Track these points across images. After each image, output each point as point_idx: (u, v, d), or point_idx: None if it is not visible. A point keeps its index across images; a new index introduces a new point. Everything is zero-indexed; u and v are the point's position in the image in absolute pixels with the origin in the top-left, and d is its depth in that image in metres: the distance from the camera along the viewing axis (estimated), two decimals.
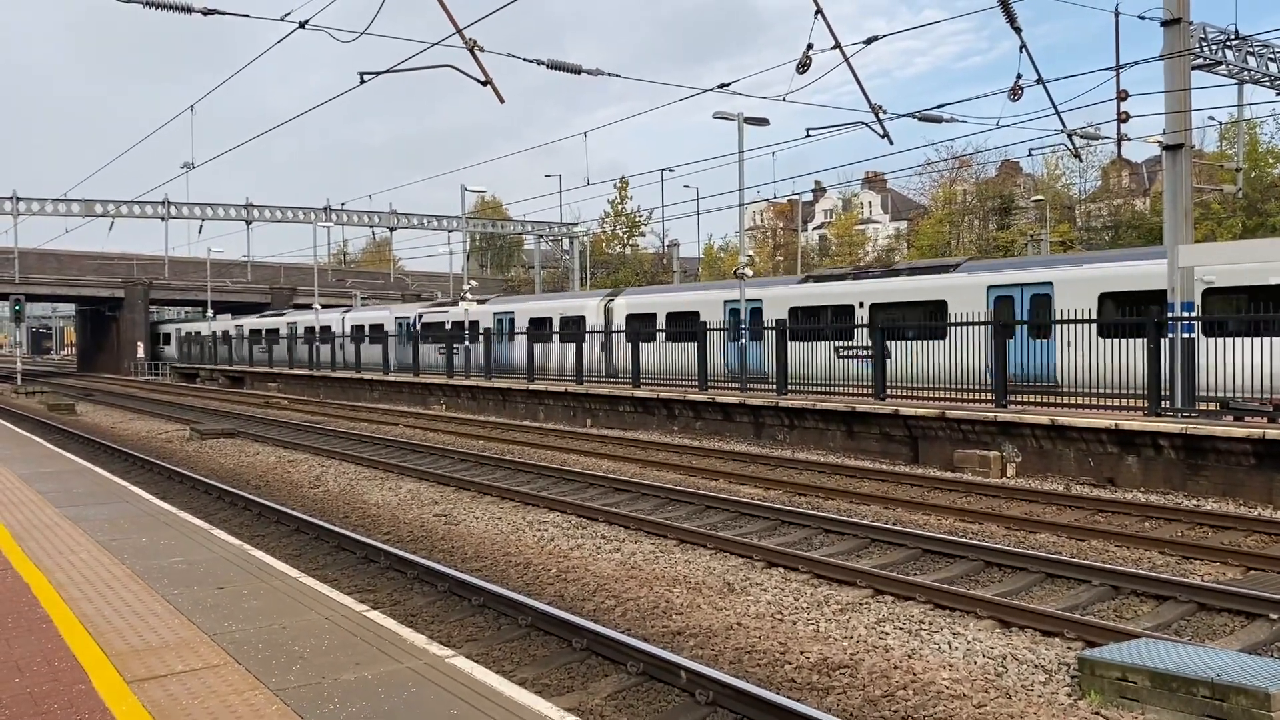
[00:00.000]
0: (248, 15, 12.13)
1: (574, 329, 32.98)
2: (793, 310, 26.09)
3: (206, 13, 11.66)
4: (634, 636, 7.93)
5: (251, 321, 59.05)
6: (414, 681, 5.26)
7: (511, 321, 37.16)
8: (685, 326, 28.14)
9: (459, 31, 11.72)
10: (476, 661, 6.00)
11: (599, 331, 31.33)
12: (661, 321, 30.13)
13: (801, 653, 7.74)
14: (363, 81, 12.87)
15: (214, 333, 59.24)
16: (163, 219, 58.67)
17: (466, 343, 35.78)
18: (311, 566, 10.64)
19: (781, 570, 10.38)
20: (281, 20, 12.01)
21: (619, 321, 32.27)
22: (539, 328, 34.34)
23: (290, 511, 13.85)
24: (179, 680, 5.27)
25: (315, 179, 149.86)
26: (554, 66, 13.87)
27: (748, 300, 26.44)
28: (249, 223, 60.34)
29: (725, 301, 28.20)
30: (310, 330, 49.58)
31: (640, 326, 29.85)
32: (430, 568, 10.20)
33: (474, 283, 42.09)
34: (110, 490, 12.52)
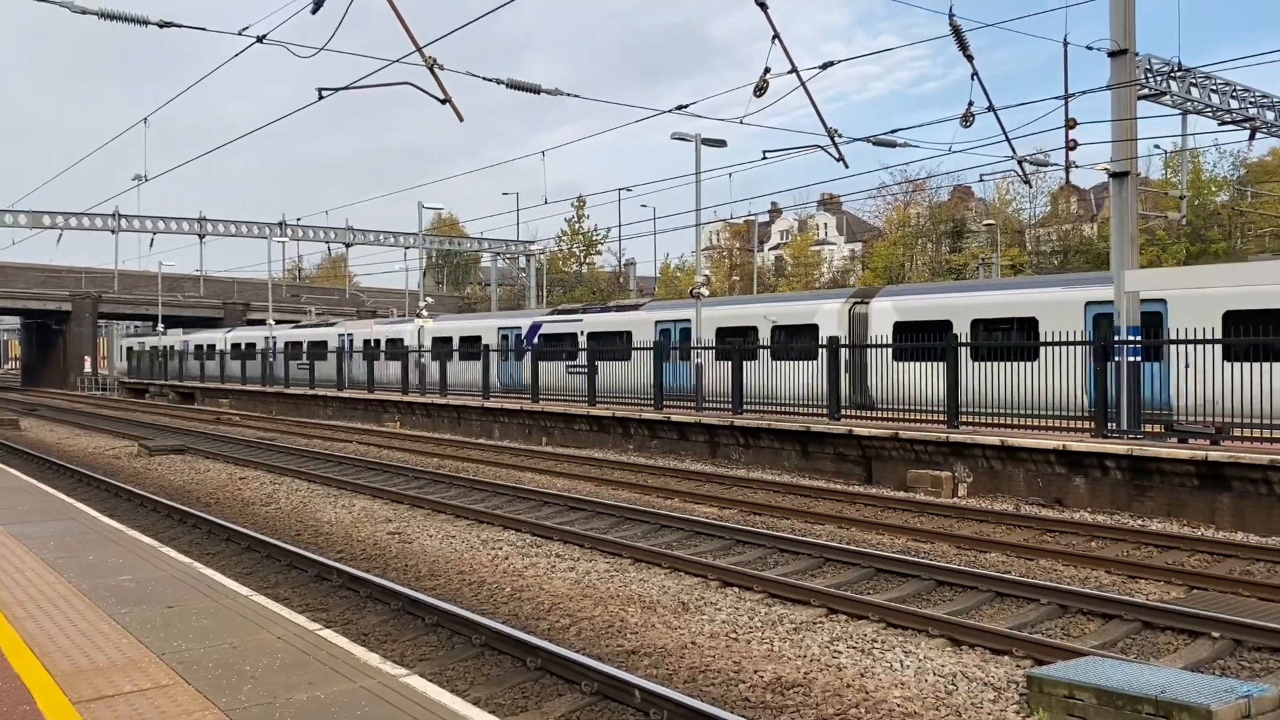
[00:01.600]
0: (204, 29, 12.06)
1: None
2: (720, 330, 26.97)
3: (163, 25, 11.56)
4: (588, 656, 7.92)
5: (211, 336, 57.97)
6: (368, 701, 5.22)
7: (351, 341, 39.34)
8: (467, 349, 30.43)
9: (419, 50, 11.73)
10: (431, 681, 5.97)
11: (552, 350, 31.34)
12: (456, 343, 32.73)
13: (755, 672, 7.79)
14: (321, 97, 12.83)
15: (198, 346, 57.42)
16: (113, 231, 57.73)
17: (421, 359, 35.53)
18: (263, 585, 10.51)
19: (736, 589, 10.43)
20: (239, 34, 11.96)
21: (428, 343, 34.32)
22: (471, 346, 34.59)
23: (241, 529, 13.67)
24: (127, 701, 5.19)
25: (271, 193, 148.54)
26: (513, 86, 13.92)
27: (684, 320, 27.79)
28: (202, 236, 59.58)
29: (656, 321, 29.49)
30: (265, 345, 49.02)
31: (602, 344, 29.74)
32: (383, 586, 10.12)
33: (430, 300, 41.74)
34: (56, 507, 12.29)
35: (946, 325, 20.84)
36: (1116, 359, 16.11)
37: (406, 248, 62.43)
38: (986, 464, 16.44)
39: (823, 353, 20.45)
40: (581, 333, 31.26)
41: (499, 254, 67.25)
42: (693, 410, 23.38)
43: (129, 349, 65.68)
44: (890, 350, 20.90)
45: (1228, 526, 13.47)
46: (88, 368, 67.44)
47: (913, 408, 19.08)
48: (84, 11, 11.13)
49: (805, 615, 9.42)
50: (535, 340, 32.65)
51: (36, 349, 79.68)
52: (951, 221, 59.55)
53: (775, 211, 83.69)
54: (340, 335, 44.29)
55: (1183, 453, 14.16)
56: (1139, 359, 16.26)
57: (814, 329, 23.81)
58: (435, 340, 37.14)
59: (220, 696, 5.25)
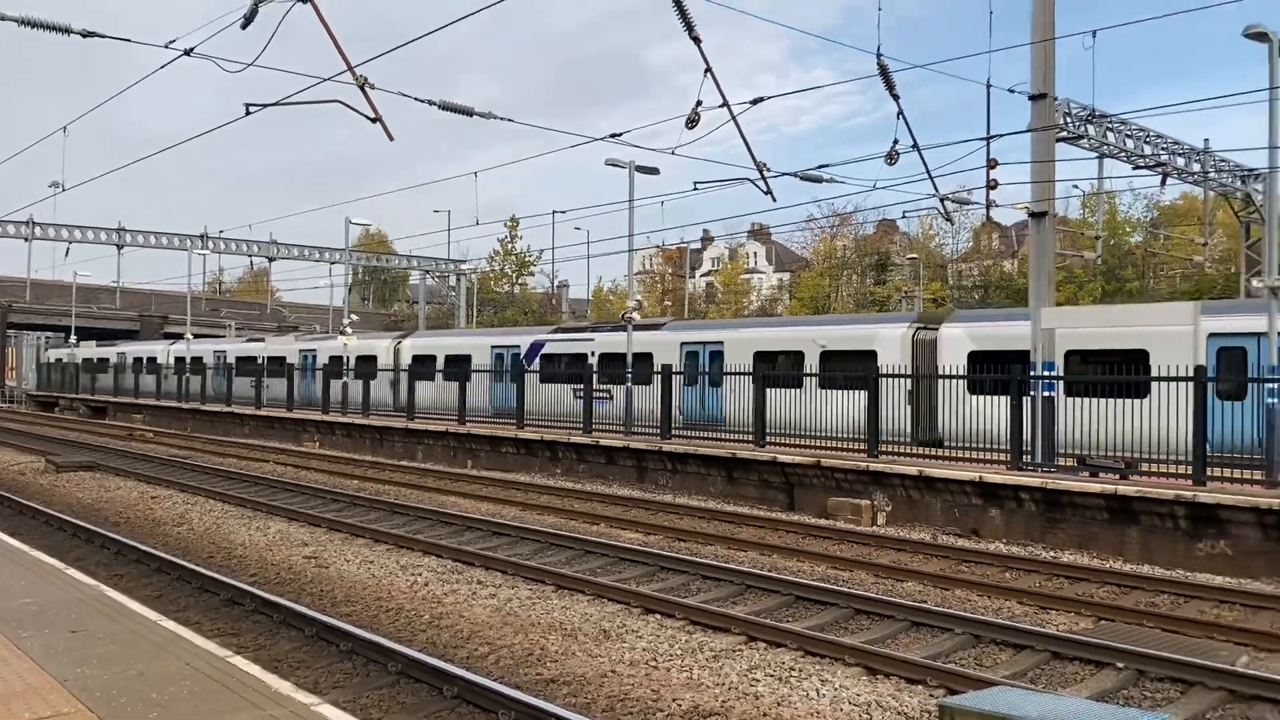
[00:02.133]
0: (129, 40, 11.82)
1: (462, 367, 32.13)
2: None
3: (86, 34, 11.30)
4: (506, 684, 7.86)
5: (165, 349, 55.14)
6: None
7: (314, 357, 37.29)
8: (458, 368, 29.19)
9: (350, 69, 11.65)
10: (344, 710, 5.87)
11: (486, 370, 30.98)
12: (442, 362, 31.21)
13: (674, 700, 7.79)
14: (249, 113, 12.64)
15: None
16: (26, 240, 55.91)
17: (396, 379, 34.81)
18: (173, 609, 10.21)
19: (658, 616, 10.44)
20: (166, 47, 11.74)
21: (408, 361, 33.07)
22: (426, 365, 33.47)
23: (152, 550, 13.30)
24: None
25: (194, 206, 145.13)
26: (445, 107, 13.88)
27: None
28: (120, 247, 58.08)
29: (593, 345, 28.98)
30: (180, 361, 47.54)
31: (617, 367, 27.28)
32: (298, 611, 9.92)
33: (355, 317, 41.15)
34: None
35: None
36: (1032, 394, 16.55)
37: (332, 263, 61.53)
38: (905, 493, 16.73)
39: (888, 384, 18.46)
40: (592, 353, 28.56)
41: (428, 272, 66.66)
42: (621, 435, 23.39)
43: (50, 361, 62.01)
44: (965, 382, 18.49)
45: (1135, 559, 13.88)
46: None
47: (994, 446, 16.83)
48: (3, 18, 10.84)
49: (725, 643, 9.46)
50: (536, 360, 29.95)
51: None
52: (876, 254, 60.74)
53: (707, 239, 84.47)
54: (303, 352, 40.80)
55: (1094, 486, 14.57)
56: (1053, 394, 16.72)
57: (871, 355, 21.49)
58: (417, 359, 34.50)
59: None
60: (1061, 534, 14.86)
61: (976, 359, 20.03)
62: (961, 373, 18.65)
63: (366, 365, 35.14)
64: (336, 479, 23.17)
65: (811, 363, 22.55)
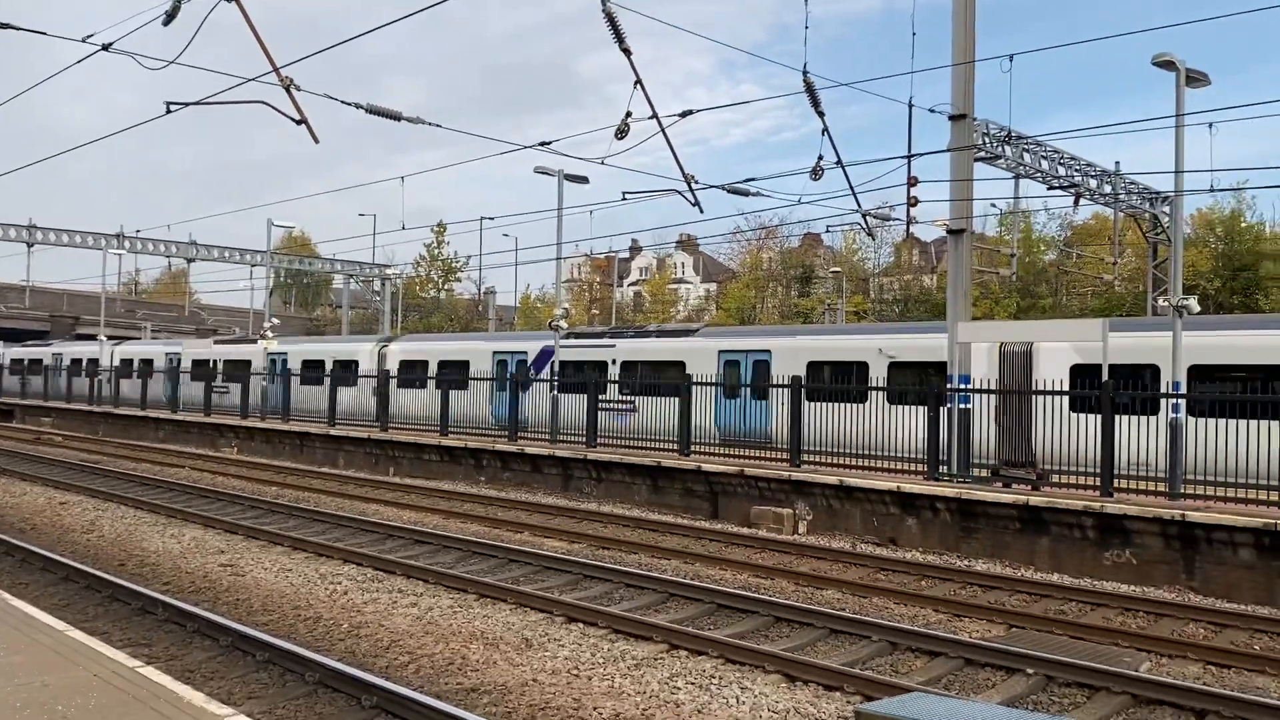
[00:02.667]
0: (44, 33, 11.47)
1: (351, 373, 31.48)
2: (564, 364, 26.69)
3: None
4: (426, 694, 7.80)
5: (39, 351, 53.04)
6: None
7: (285, 362, 34.68)
8: (456, 374, 27.88)
9: (275, 69, 11.47)
10: None
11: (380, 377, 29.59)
12: (434, 368, 29.78)
13: (595, 709, 7.81)
14: (169, 111, 12.36)
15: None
16: None
17: (264, 382, 33.92)
18: (80, 618, 9.93)
19: (581, 625, 10.45)
20: (84, 41, 11.43)
21: (394, 367, 31.52)
22: (338, 370, 32.41)
23: (58, 558, 12.91)
24: None
25: (111, 203, 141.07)
26: (373, 111, 13.74)
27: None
28: (30, 245, 56.20)
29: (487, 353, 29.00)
30: (94, 362, 45.82)
31: (641, 376, 25.60)
32: (212, 620, 9.72)
33: (276, 320, 40.37)
34: None
35: (1153, 370, 17.47)
36: (949, 405, 16.93)
37: (253, 265, 60.33)
38: (826, 502, 16.98)
39: (978, 400, 16.92)
40: (613, 361, 26.50)
41: (352, 276, 65.73)
42: (547, 443, 23.32)
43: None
44: (1067, 399, 15.95)
45: (1045, 568, 14.28)
46: None
47: (1116, 473, 14.80)
48: None
49: (647, 651, 9.51)
50: (546, 368, 27.61)
51: None
52: (801, 267, 61.55)
53: (635, 249, 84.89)
54: (273, 355, 37.28)
55: (1006, 497, 14.96)
56: (969, 405, 17.12)
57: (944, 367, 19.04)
58: (404, 364, 31.95)
59: None
60: (976, 543, 15.22)
61: (1082, 372, 17.86)
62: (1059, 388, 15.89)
63: (345, 370, 32.62)
64: (254, 485, 22.71)
65: (877, 375, 20.68)
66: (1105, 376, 15.31)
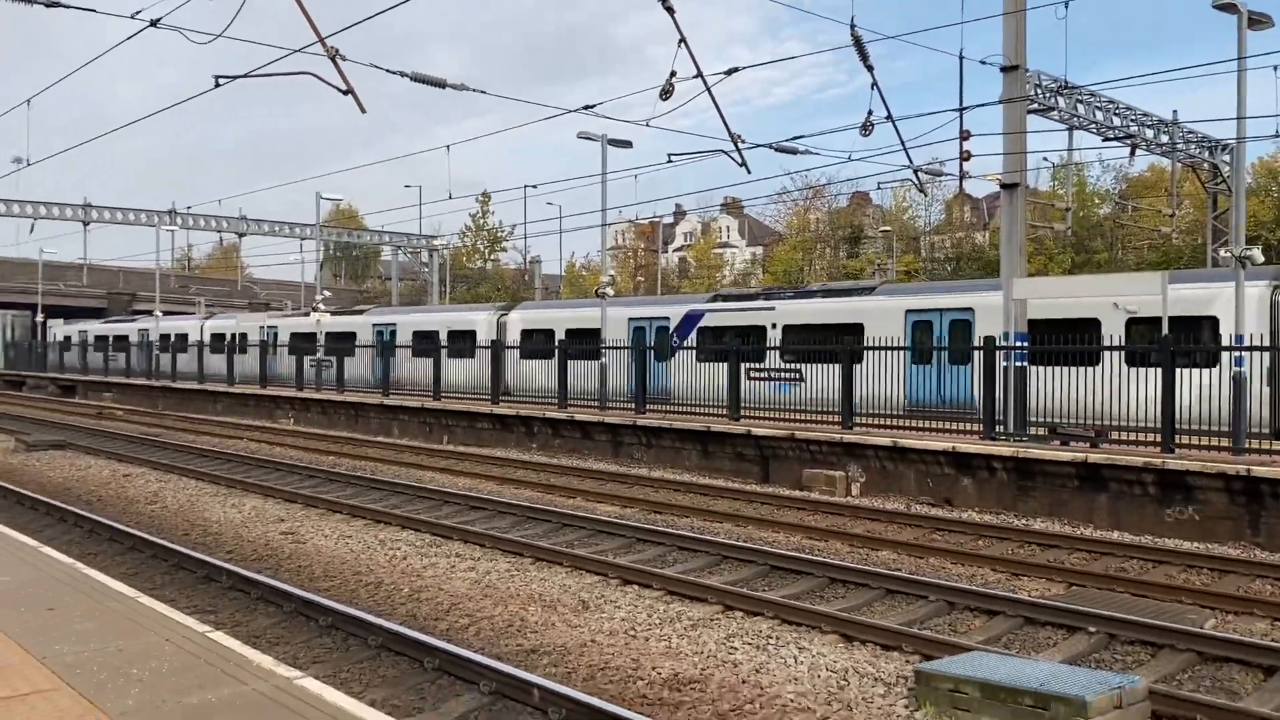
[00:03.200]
0: (94, 10, 11.60)
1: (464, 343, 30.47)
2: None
3: (50, 4, 11.10)
4: (487, 655, 7.90)
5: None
6: (260, 704, 5.12)
7: (393, 334, 33.35)
8: (585, 344, 26.04)
9: (321, 40, 11.51)
10: (325, 683, 5.88)
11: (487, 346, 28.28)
12: (561, 337, 28.09)
13: (653, 669, 7.87)
14: (218, 84, 12.47)
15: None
16: None
17: (320, 355, 34.05)
18: (149, 586, 10.17)
19: (636, 587, 10.50)
20: (132, 18, 11.54)
21: (515, 337, 29.77)
22: (425, 341, 31.52)
23: (125, 528, 13.22)
24: (6, 706, 4.98)
25: (161, 181, 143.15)
26: (417, 79, 13.75)
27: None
28: (86, 224, 57.26)
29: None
30: (182, 337, 44.59)
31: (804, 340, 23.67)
32: (275, 587, 9.91)
33: (328, 293, 40.80)
34: None
35: (1211, 322, 16.80)
36: (1004, 364, 16.70)
37: (303, 239, 60.97)
38: (879, 464, 16.87)
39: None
40: (773, 325, 24.36)
41: (400, 248, 66.25)
42: (596, 410, 23.41)
43: (60, 340, 55.82)
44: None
45: (1105, 525, 14.09)
46: None
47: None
48: None
49: (703, 612, 9.54)
50: (693, 335, 25.92)
51: None
52: (850, 228, 60.90)
53: (680, 213, 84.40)
54: (380, 326, 35.62)
55: (1064, 455, 14.75)
56: (1025, 364, 16.87)
57: (1206, 323, 17.85)
58: (526, 333, 30.36)
59: (106, 701, 5.09)
60: (1033, 502, 15.05)
61: (1135, 325, 17.40)
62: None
63: (459, 341, 31.32)
64: (312, 455, 23.07)
65: (1113, 333, 17.89)
66: (1165, 330, 14.99)
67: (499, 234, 70.12)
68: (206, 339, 43.59)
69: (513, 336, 30.34)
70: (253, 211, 60.91)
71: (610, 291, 27.18)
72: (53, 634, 6.28)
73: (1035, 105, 18.64)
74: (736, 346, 22.02)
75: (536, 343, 28.89)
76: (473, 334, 31.87)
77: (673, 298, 34.63)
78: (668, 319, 27.13)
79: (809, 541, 13.16)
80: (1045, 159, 41.81)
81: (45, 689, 5.26)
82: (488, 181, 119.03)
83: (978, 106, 17.55)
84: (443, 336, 32.32)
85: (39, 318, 61.42)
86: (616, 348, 24.93)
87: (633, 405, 22.37)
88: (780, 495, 16.49)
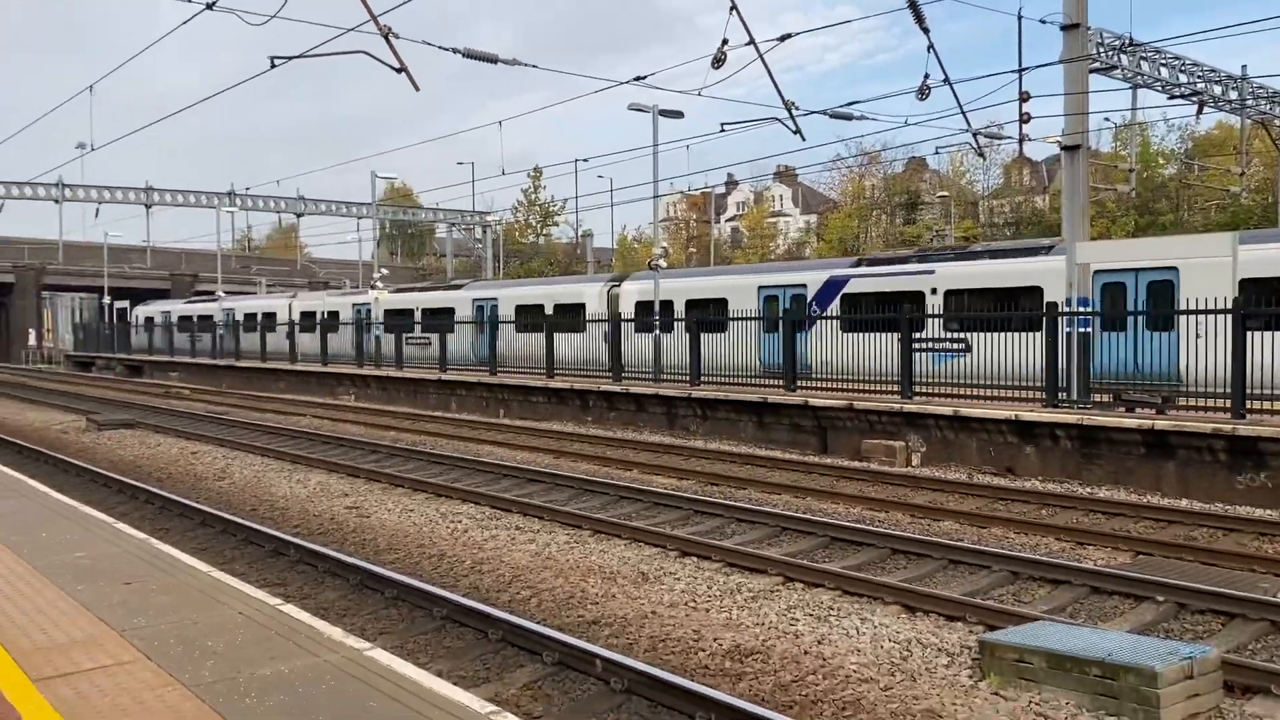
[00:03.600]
0: None
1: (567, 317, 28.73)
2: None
3: None
4: (549, 626, 7.99)
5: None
6: (332, 675, 5.23)
7: (494, 308, 32.24)
8: (709, 314, 24.64)
9: (374, 18, 11.57)
10: (394, 654, 5.99)
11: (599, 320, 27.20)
12: (681, 309, 26.49)
13: (714, 640, 7.90)
14: (274, 65, 12.61)
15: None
16: (57, 202, 56.52)
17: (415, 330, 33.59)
18: (219, 560, 10.42)
19: (695, 559, 10.54)
20: (189, 0, 11.71)
21: (629, 309, 27.93)
22: (558, 315, 29.81)
23: (195, 504, 13.55)
24: (88, 678, 5.16)
25: (220, 162, 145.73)
26: (469, 55, 13.77)
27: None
28: (149, 206, 58.51)
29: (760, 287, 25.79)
30: (270, 316, 43.93)
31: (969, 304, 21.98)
32: (342, 560, 10.10)
33: (385, 271, 41.23)
34: (5, 484, 12.07)
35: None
36: (1067, 329, 16.39)
37: (360, 218, 61.72)
38: (939, 433, 16.69)
39: None
40: (932, 290, 22.16)
41: (454, 225, 66.77)
42: (651, 382, 23.43)
43: (140, 321, 55.04)
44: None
45: (1172, 493, 13.81)
46: (32, 340, 66.00)
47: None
48: None
49: (763, 584, 9.54)
50: (835, 304, 23.96)
51: None
52: (906, 194, 60.04)
53: (731, 183, 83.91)
54: (480, 301, 34.27)
55: (1130, 422, 14.47)
56: (1088, 330, 16.55)
57: None
58: (641, 305, 28.45)
59: (183, 672, 5.23)
60: (1098, 470, 14.80)
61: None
62: None
63: (565, 314, 30.08)
64: (373, 431, 23.42)
65: (1190, 297, 15.96)
66: (1235, 293, 14.59)
67: (551, 208, 70.30)
68: (296, 317, 43.01)
69: (626, 309, 28.47)
70: (310, 191, 61.68)
71: (663, 263, 27.10)
72: (131, 607, 6.47)
73: (1097, 64, 18.16)
74: (907, 313, 19.35)
75: (652, 315, 26.55)
76: (581, 307, 30.29)
77: (809, 262, 32.20)
78: (804, 286, 24.95)
79: (869, 512, 13.09)
80: (1107, 119, 40.68)
81: (126, 660, 5.42)
82: (539, 156, 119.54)
83: (1038, 67, 17.24)
84: (548, 310, 31.05)
85: (105, 300, 62.96)
86: (748, 318, 23.21)
87: (774, 384, 20.95)
88: (839, 466, 16.41)
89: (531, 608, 8.92)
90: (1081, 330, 16.42)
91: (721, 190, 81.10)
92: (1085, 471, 14.92)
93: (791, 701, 6.70)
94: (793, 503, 13.78)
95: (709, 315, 24.98)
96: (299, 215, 62.66)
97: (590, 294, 30.85)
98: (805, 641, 7.85)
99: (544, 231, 73.11)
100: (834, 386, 19.91)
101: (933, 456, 16.72)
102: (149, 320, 54.94)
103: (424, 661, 7.28)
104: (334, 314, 40.46)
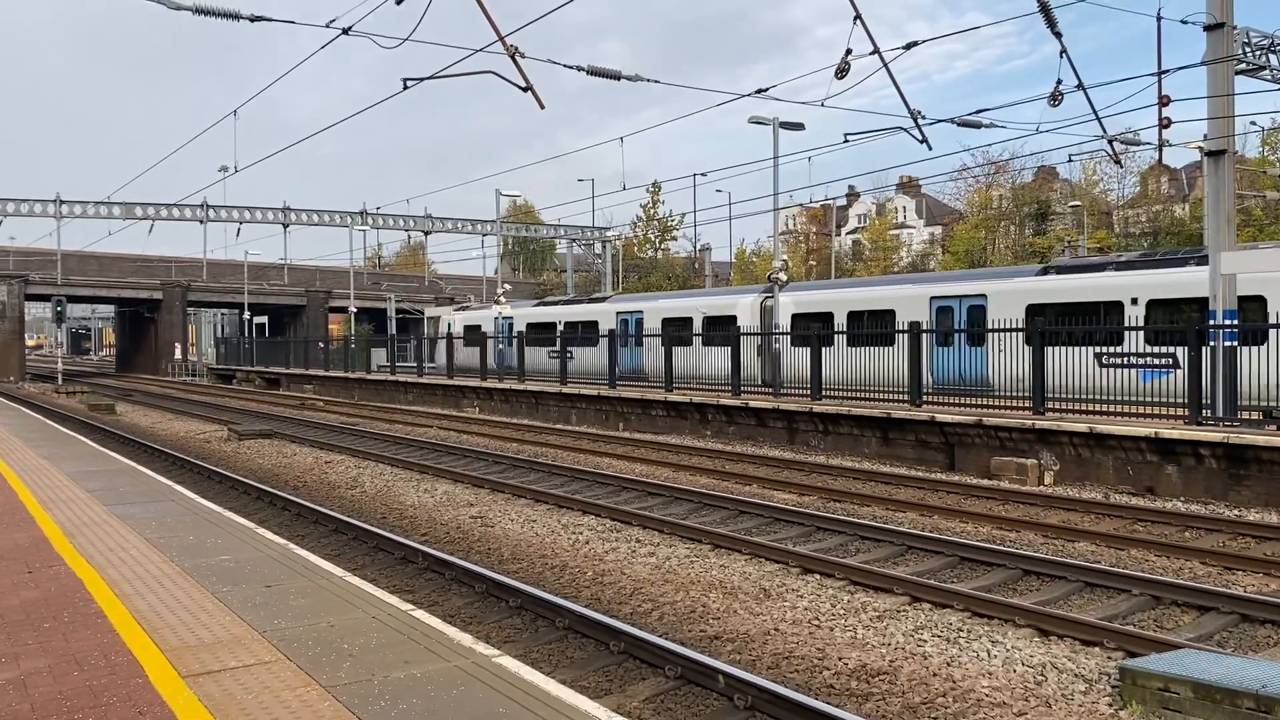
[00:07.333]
0: (293, 21, 12.34)
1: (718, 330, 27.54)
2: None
3: (254, 19, 11.86)
4: (671, 640, 7.97)
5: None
6: (462, 680, 5.34)
7: (639, 322, 31.77)
8: (873, 327, 23.59)
9: (501, 39, 11.84)
10: (520, 661, 6.07)
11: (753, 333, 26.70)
12: (841, 321, 25.43)
13: (840, 659, 7.76)
14: (406, 87, 13.02)
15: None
16: (201, 222, 59.50)
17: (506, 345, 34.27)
18: (352, 566, 10.75)
19: (818, 576, 10.39)
20: (326, 26, 12.21)
21: (784, 322, 26.60)
22: (708, 329, 28.84)
23: (329, 512, 14.02)
24: (232, 676, 5.38)
25: (352, 182, 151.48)
26: (594, 73, 13.97)
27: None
28: (286, 225, 61.07)
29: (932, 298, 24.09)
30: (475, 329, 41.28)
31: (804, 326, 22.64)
32: (468, 569, 10.30)
33: (508, 286, 42.01)
34: (154, 489, 12.74)
35: None
36: (1212, 344, 15.62)
37: (484, 235, 63.16)
38: (1074, 451, 16.09)
39: None
40: (1132, 300, 20.35)
41: (575, 240, 67.69)
42: (770, 396, 23.26)
43: (465, 328, 45.82)
44: None
45: None
46: (178, 354, 69.56)
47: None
48: (178, 7, 11.48)
49: (888, 603, 9.34)
50: (1019, 314, 21.19)
51: (129, 336, 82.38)
52: (1036, 203, 58.21)
53: (852, 195, 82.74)
54: (622, 314, 33.62)
55: None
56: (1235, 344, 15.73)
57: None
58: (798, 317, 27.21)
59: (321, 673, 5.41)
60: (1246, 491, 14.03)
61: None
62: None
63: (717, 328, 28.81)
64: (497, 442, 23.86)
65: None
66: None
67: (669, 223, 70.63)
68: (459, 330, 42.50)
69: (781, 322, 26.70)
70: (437, 210, 63.48)
71: (783, 277, 26.91)
72: (271, 609, 6.73)
73: (1243, 65, 17.27)
74: (1099, 327, 18.54)
75: (808, 328, 24.81)
76: (732, 319, 29.03)
77: (985, 271, 30.12)
78: (984, 296, 23.15)
79: (999, 532, 12.69)
80: (1253, 123, 38.65)
81: (266, 660, 5.64)
82: (658, 172, 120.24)
83: (1178, 70, 16.47)
84: (697, 323, 29.94)
85: (245, 315, 65.93)
86: (929, 331, 22.03)
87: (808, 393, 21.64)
88: (967, 484, 15.97)
89: (653, 621, 8.92)
90: (1227, 344, 15.61)
91: (842, 203, 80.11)
92: (1232, 492, 14.16)
93: None
94: (919, 521, 13.46)
95: (874, 328, 23.96)
96: (426, 233, 64.47)
97: (743, 305, 29.73)
98: (934, 663, 7.65)
99: (662, 246, 73.48)
100: (961, 402, 19.42)
101: (1066, 475, 16.12)
102: (466, 328, 44.60)
103: (547, 670, 7.35)
104: (573, 325, 37.22)
